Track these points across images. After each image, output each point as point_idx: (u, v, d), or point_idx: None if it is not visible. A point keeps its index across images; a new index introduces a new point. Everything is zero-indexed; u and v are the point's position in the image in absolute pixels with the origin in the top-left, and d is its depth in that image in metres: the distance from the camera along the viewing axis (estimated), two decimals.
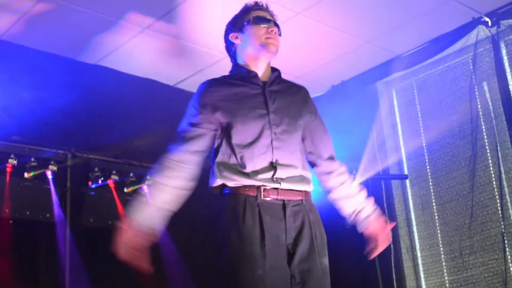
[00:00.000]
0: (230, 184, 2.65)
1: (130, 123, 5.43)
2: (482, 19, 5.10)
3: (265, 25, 2.83)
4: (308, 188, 2.77)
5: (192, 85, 5.84)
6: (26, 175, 4.78)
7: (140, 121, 5.48)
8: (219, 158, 2.70)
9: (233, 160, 2.67)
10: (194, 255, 5.22)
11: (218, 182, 2.69)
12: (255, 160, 2.64)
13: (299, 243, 2.60)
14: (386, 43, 5.43)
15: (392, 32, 5.24)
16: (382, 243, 2.88)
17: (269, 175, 2.64)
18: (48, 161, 4.88)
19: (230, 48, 2.95)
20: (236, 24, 2.90)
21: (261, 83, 2.83)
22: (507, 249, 4.91)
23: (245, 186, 2.63)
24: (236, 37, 2.89)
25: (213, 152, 2.77)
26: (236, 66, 2.93)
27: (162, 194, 2.65)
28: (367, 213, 2.92)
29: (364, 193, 2.99)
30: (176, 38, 5.07)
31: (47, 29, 4.79)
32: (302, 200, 2.70)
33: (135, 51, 5.21)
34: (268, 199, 2.62)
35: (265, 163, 2.66)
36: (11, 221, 4.67)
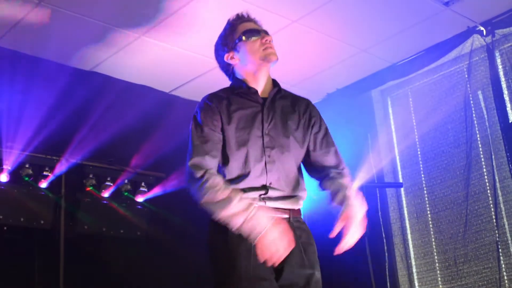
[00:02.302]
0: None
1: (125, 129, 5.42)
2: (477, 28, 5.11)
3: (257, 37, 2.79)
4: (296, 206, 2.71)
5: (187, 92, 5.85)
6: (20, 181, 4.78)
7: (135, 127, 5.48)
8: None
9: (226, 178, 2.62)
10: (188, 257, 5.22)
11: None
12: (247, 182, 2.61)
13: (286, 259, 2.53)
14: (381, 52, 5.45)
15: (387, 40, 5.25)
16: (353, 232, 2.60)
17: (257, 194, 2.60)
18: (43, 167, 4.88)
19: (227, 68, 2.88)
20: (227, 44, 2.82)
21: (260, 100, 2.76)
22: (501, 257, 4.91)
23: None
24: (232, 57, 2.81)
25: None
26: (236, 80, 2.84)
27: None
28: (347, 196, 2.68)
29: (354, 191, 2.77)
30: (172, 45, 5.07)
31: (41, 35, 4.78)
32: (289, 218, 2.66)
33: (130, 57, 5.21)
34: None
35: (257, 185, 2.62)
36: (5, 228, 4.66)
